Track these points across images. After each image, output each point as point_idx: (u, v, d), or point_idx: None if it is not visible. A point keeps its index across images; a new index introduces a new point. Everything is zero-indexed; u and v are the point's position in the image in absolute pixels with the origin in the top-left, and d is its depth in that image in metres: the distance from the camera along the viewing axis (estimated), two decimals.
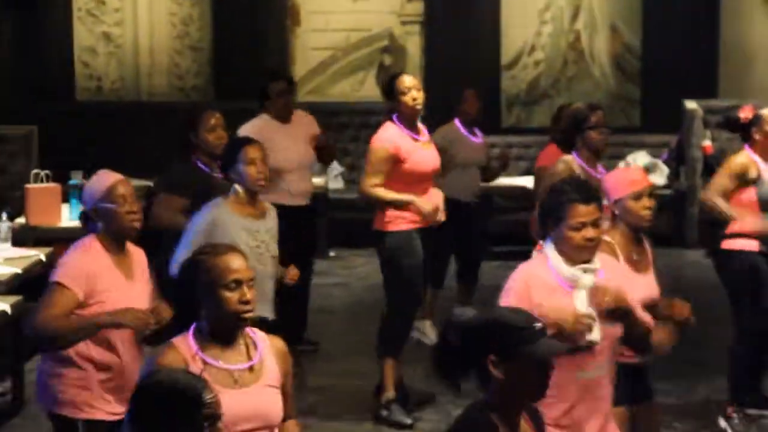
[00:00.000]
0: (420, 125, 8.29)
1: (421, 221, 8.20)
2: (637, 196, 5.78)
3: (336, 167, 12.62)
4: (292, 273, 7.06)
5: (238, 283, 4.32)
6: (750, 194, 7.55)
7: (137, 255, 5.94)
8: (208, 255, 4.46)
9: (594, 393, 4.71)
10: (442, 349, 3.93)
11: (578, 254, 4.98)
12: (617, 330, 4.91)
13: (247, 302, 4.31)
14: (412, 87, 8.04)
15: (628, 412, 5.68)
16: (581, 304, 4.95)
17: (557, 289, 4.97)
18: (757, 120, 8.03)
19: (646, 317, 5.09)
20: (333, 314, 10.41)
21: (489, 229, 11.53)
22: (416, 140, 8.17)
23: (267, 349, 4.45)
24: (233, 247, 4.64)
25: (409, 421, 7.69)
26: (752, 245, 7.48)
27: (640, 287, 5.42)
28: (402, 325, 7.88)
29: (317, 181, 11.04)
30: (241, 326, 4.37)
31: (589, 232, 5.03)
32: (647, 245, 5.82)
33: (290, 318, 8.02)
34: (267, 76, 9.84)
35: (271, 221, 7.04)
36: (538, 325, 3.78)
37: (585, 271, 4.97)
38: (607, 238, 5.74)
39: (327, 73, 14.23)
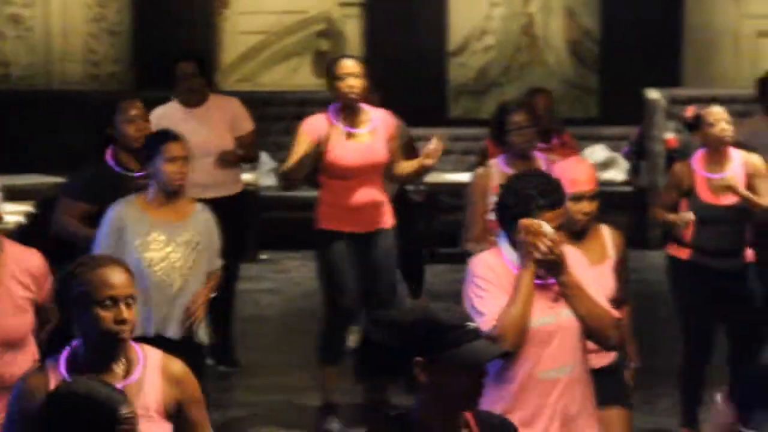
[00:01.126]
0: (370, 116, 7.88)
1: (353, 226, 7.93)
2: (577, 198, 5.67)
3: (267, 162, 12.28)
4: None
5: (114, 300, 4.10)
6: (683, 206, 7.31)
7: (13, 257, 5.45)
8: (85, 267, 4.21)
9: (555, 394, 4.56)
10: (366, 348, 3.76)
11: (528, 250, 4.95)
12: (573, 321, 4.74)
13: (122, 321, 4.08)
14: (349, 73, 7.77)
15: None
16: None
17: (512, 278, 4.93)
18: (698, 120, 7.79)
19: (605, 305, 4.90)
20: (264, 323, 9.97)
21: (434, 230, 11.15)
22: (350, 132, 7.85)
23: (154, 372, 4.22)
24: (115, 260, 4.38)
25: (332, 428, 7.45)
26: (683, 253, 7.29)
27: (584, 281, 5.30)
28: (329, 331, 7.63)
29: (247, 177, 10.60)
30: (116, 347, 4.14)
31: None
32: (606, 238, 5.72)
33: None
34: (177, 56, 9.54)
35: (197, 225, 6.63)
36: (472, 325, 3.52)
37: None
38: None
39: (258, 60, 13.88)
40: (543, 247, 4.83)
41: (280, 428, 7.36)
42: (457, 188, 11.23)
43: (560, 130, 9.46)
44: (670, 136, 12.09)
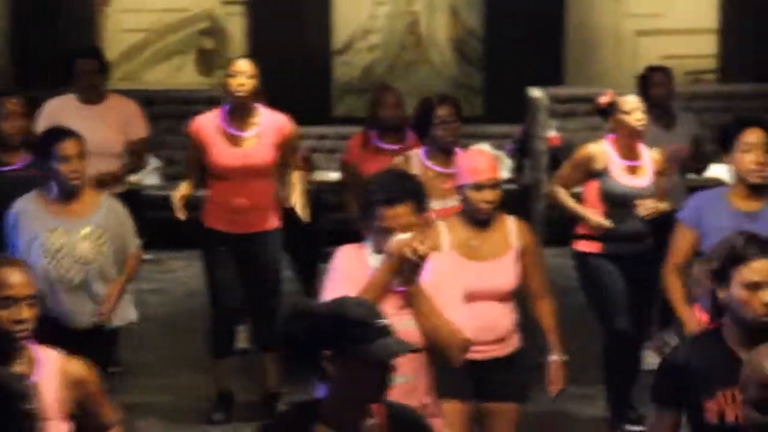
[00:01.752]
0: (260, 119, 7.90)
1: (235, 227, 7.93)
2: (478, 187, 5.70)
3: (152, 161, 11.97)
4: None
5: (12, 300, 4.19)
6: (593, 187, 7.32)
7: None
8: None
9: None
10: (284, 340, 3.73)
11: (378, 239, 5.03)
12: (414, 332, 4.66)
13: (20, 321, 4.17)
14: (241, 72, 7.83)
15: (465, 408, 5.61)
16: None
17: (366, 277, 4.93)
18: (612, 107, 7.77)
19: (455, 324, 4.75)
20: (151, 323, 9.34)
21: (320, 228, 10.46)
22: (234, 134, 7.90)
23: (51, 375, 4.26)
24: (13, 260, 4.57)
25: (215, 419, 7.47)
26: (595, 247, 7.29)
27: (474, 274, 5.38)
28: (215, 328, 7.67)
29: (131, 176, 10.24)
30: (14, 347, 4.25)
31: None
32: (509, 228, 5.66)
33: None
34: (76, 52, 9.27)
35: (102, 216, 6.52)
36: (382, 322, 3.59)
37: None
38: (442, 222, 5.91)
39: (141, 58, 13.83)
40: (408, 254, 4.74)
41: (169, 425, 7.31)
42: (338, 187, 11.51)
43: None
44: (552, 134, 12.18)
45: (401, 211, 4.86)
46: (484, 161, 6.04)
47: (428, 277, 4.95)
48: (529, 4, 13.41)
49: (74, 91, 8.84)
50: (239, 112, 7.90)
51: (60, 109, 8.44)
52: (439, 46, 13.86)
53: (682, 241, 6.58)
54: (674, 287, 6.60)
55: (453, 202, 6.86)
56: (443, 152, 7.40)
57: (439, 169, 7.35)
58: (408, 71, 13.65)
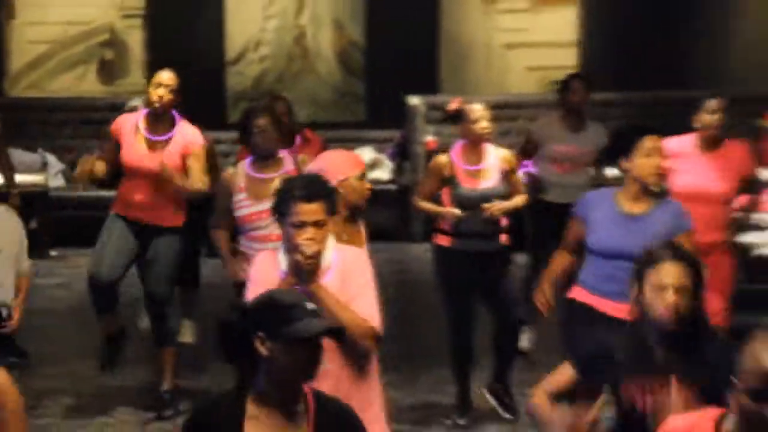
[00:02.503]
0: (174, 128, 8.02)
1: (134, 215, 8.14)
2: (362, 176, 5.91)
3: (56, 164, 12.44)
4: None
5: None
6: (446, 193, 7.67)
7: None
8: None
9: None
10: (222, 328, 3.89)
11: (294, 250, 5.04)
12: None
13: None
14: (162, 84, 7.90)
15: None
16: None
17: (277, 282, 5.03)
18: (460, 115, 8.03)
19: (363, 316, 5.03)
20: (56, 316, 9.92)
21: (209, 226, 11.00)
22: (148, 136, 8.03)
23: None
24: None
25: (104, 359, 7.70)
26: (447, 241, 7.58)
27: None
28: (92, 295, 7.82)
29: (38, 178, 11.20)
30: None
31: (309, 232, 5.06)
32: (361, 225, 5.93)
33: None
34: None
35: None
36: (310, 305, 3.79)
37: None
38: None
39: (45, 68, 14.09)
40: (300, 259, 4.97)
41: (72, 413, 7.41)
42: None
43: (300, 130, 9.64)
44: (429, 138, 12.44)
45: (316, 208, 5.00)
46: (351, 155, 6.39)
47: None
48: (407, 19, 13.87)
49: None
50: (155, 119, 8.07)
51: None
52: (324, 57, 14.35)
53: (570, 231, 6.84)
54: (553, 265, 6.96)
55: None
56: (265, 159, 7.67)
57: (258, 174, 7.62)
58: (295, 80, 14.14)
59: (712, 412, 3.71)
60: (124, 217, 8.14)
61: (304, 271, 4.95)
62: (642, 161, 6.55)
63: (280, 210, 5.10)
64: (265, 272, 5.23)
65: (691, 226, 6.55)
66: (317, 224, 5.00)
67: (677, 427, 3.78)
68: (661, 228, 6.35)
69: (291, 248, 5.10)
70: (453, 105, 8.33)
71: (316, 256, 4.92)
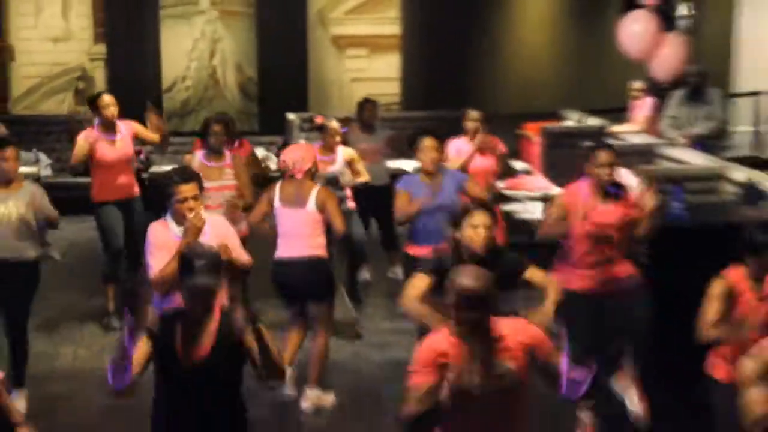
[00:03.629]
0: (120, 128, 9.28)
1: (115, 195, 9.36)
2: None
3: (45, 160, 14.00)
4: None
5: None
6: None
7: None
8: None
9: None
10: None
11: (181, 219, 6.03)
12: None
13: None
14: (111, 104, 9.19)
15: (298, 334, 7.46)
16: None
17: (174, 243, 5.92)
18: (322, 127, 9.64)
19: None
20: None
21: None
22: (109, 139, 9.29)
23: None
24: None
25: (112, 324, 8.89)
26: None
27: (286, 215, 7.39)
28: (108, 264, 9.10)
29: (31, 170, 12.24)
30: None
31: (189, 203, 6.00)
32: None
33: None
34: None
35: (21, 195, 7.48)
36: (202, 255, 4.73)
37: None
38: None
39: (37, 94, 15.73)
40: (188, 222, 5.77)
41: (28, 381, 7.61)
42: None
43: (239, 138, 10.35)
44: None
45: (191, 187, 5.89)
46: (310, 148, 7.71)
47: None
48: (285, 62, 15.61)
49: None
50: (108, 127, 9.20)
51: None
52: (230, 87, 15.98)
53: (400, 200, 7.68)
54: (400, 206, 7.66)
55: (224, 182, 8.62)
56: (215, 152, 8.73)
57: (211, 163, 8.63)
58: (211, 103, 15.69)
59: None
60: (109, 202, 9.31)
61: (192, 230, 5.80)
62: (422, 154, 7.73)
63: (168, 192, 5.95)
64: (162, 238, 6.01)
65: (468, 178, 7.84)
66: (194, 198, 5.90)
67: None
68: (452, 186, 7.52)
69: (179, 218, 5.97)
70: (317, 120, 10.73)
71: (199, 218, 5.75)
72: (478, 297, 4.31)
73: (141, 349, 4.60)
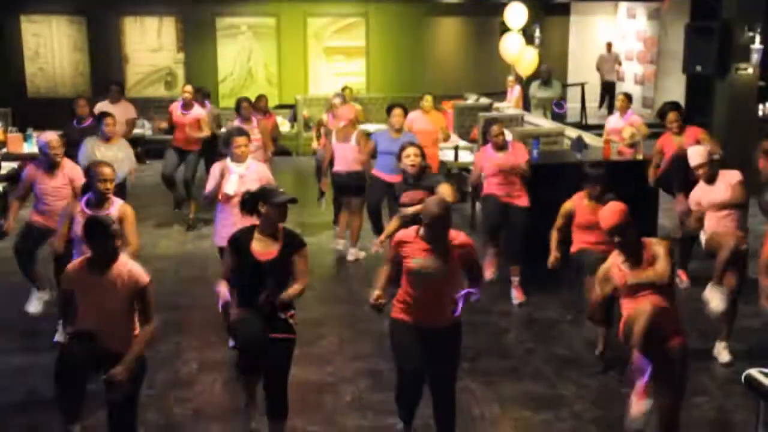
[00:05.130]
0: (191, 108, 9.05)
1: (178, 145, 9.18)
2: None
3: (146, 124, 13.60)
4: None
5: (105, 180, 5.15)
6: None
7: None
8: None
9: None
10: (243, 202, 4.64)
11: (237, 158, 5.97)
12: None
13: (108, 188, 5.17)
14: (186, 91, 9.10)
15: None
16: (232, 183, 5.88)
17: (228, 173, 5.85)
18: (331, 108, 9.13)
19: None
20: None
21: None
22: (184, 112, 9.03)
23: (117, 212, 5.20)
24: (105, 162, 5.25)
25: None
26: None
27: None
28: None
29: (138, 131, 11.71)
30: (103, 200, 5.15)
31: (242, 149, 5.95)
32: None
33: None
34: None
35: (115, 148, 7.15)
36: (281, 191, 4.53)
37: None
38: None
39: (142, 84, 15.40)
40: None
41: None
42: None
43: (268, 112, 9.93)
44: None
45: (243, 139, 5.95)
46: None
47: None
48: (294, 63, 15.41)
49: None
50: (186, 105, 9.07)
51: None
52: (259, 79, 15.36)
53: (370, 145, 7.59)
54: (358, 150, 7.56)
55: (253, 137, 7.54)
56: (245, 119, 8.30)
57: (243, 126, 7.89)
58: (248, 90, 14.38)
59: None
60: (174, 146, 9.32)
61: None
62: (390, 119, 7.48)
63: (229, 141, 5.91)
64: (220, 169, 5.97)
65: (414, 136, 7.65)
66: (246, 146, 5.96)
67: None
68: (406, 139, 7.28)
69: (236, 157, 6.04)
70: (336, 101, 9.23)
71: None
72: (443, 221, 4.24)
73: (227, 262, 4.47)
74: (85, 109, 8.46)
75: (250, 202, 4.45)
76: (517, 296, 7.14)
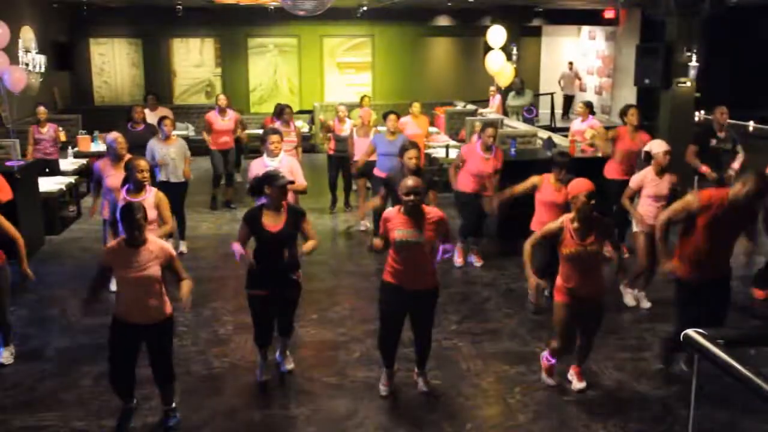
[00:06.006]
0: (227, 114, 8.58)
1: (220, 147, 8.69)
2: None
3: (190, 126, 13.19)
4: None
5: (141, 170, 4.90)
6: None
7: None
8: None
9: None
10: (251, 187, 4.49)
11: (270, 154, 5.77)
12: None
13: (144, 177, 4.98)
14: (222, 98, 8.67)
15: None
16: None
17: (264, 168, 5.42)
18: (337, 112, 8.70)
19: None
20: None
21: None
22: (222, 117, 8.57)
23: (152, 200, 4.96)
24: (141, 158, 5.04)
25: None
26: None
27: None
28: None
29: (183, 132, 11.38)
30: (140, 187, 5.03)
31: (276, 145, 5.77)
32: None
33: None
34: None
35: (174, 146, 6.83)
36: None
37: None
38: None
39: (186, 94, 15.26)
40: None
41: None
42: None
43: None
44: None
45: (277, 137, 5.80)
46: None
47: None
48: (312, 76, 15.25)
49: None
50: (221, 111, 8.58)
51: None
52: (283, 89, 15.19)
53: (370, 147, 7.24)
54: (367, 151, 7.28)
55: (289, 138, 7.74)
56: (285, 123, 7.94)
57: (283, 128, 7.75)
58: (274, 99, 14.49)
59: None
60: (215, 149, 8.84)
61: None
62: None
63: (265, 140, 5.72)
64: (257, 165, 5.71)
65: (407, 138, 7.19)
66: (279, 143, 5.92)
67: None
68: (401, 142, 6.83)
69: (269, 153, 5.90)
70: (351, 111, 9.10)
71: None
72: (416, 190, 4.18)
73: (242, 233, 4.44)
74: (141, 114, 8.24)
75: (257, 186, 4.40)
76: (476, 260, 7.12)
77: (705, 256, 4.31)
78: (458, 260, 7.01)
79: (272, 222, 4.32)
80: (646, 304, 6.09)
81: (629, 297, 6.08)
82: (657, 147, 5.88)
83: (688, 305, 4.36)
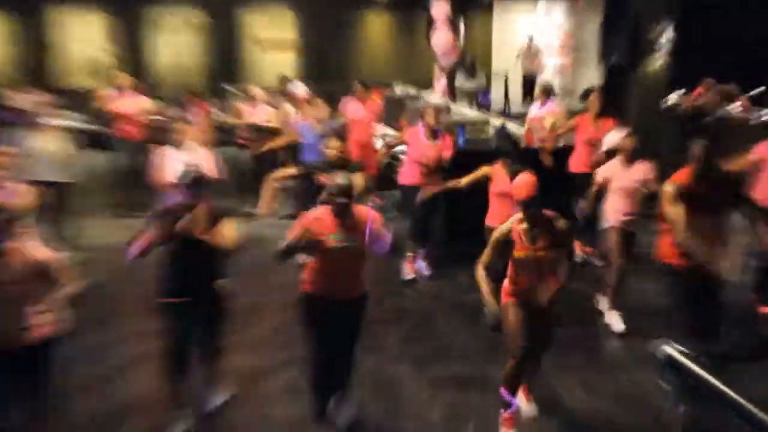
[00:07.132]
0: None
1: None
2: None
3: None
4: None
5: None
6: None
7: None
8: None
9: None
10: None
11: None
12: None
13: None
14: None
15: None
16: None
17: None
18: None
19: None
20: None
21: None
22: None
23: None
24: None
25: None
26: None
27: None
28: None
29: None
30: None
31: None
32: None
33: None
34: None
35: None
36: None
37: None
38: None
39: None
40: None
41: None
42: None
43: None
44: None
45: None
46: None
47: None
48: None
49: None
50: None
51: None
52: None
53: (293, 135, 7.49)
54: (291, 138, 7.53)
55: None
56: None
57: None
58: None
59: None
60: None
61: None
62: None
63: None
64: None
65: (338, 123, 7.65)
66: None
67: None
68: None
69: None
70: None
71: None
72: (346, 189, 4.23)
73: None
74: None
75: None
76: (425, 268, 7.10)
77: (701, 238, 4.47)
78: (408, 273, 6.90)
79: (196, 225, 4.44)
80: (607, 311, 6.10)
81: (613, 318, 6.00)
82: (614, 136, 5.99)
83: (692, 304, 4.48)
